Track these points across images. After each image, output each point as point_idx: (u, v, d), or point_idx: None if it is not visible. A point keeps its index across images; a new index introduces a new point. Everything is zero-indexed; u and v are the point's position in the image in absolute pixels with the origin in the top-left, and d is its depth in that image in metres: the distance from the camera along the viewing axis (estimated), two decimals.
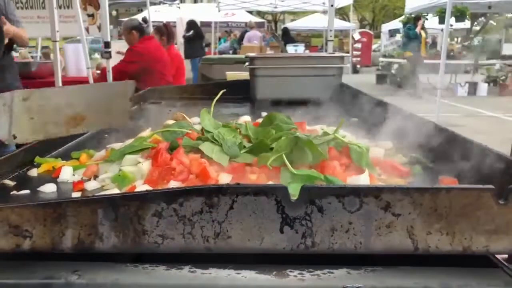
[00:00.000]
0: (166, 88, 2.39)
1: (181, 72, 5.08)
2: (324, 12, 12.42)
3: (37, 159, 1.09)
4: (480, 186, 0.58)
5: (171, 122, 1.28)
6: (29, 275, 0.62)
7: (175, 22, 12.07)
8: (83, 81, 4.23)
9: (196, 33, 9.91)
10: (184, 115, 1.30)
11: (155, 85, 2.56)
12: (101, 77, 4.24)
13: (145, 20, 6.76)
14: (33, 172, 1.03)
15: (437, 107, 5.76)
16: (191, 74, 9.32)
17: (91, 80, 4.05)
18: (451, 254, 0.60)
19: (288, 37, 12.88)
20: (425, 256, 0.60)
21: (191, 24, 10.07)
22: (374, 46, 22.16)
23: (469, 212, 0.58)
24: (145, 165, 0.96)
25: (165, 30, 5.13)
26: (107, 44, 4.01)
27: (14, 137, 1.04)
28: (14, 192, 0.90)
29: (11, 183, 0.95)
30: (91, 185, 0.92)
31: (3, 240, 0.61)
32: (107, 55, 4.01)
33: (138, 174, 0.94)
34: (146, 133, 1.21)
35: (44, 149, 1.17)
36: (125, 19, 5.84)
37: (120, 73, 4.29)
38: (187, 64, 6.94)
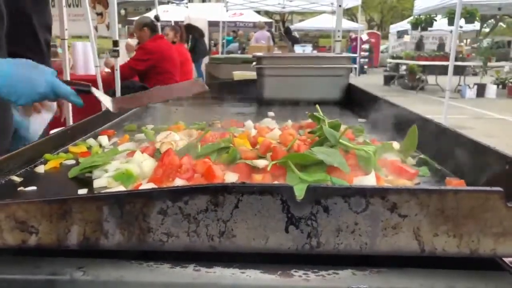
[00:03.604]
0: None
1: (188, 70, 5.12)
2: (332, 12, 12.38)
3: (46, 155, 1.10)
4: (488, 188, 0.58)
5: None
6: (35, 270, 0.62)
7: (183, 21, 12.10)
8: (91, 79, 4.25)
9: (197, 37, 9.80)
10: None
11: (163, 84, 2.56)
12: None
13: (157, 18, 6.79)
14: (40, 169, 1.03)
15: (445, 109, 5.72)
16: (195, 74, 9.34)
17: (99, 78, 4.08)
18: (457, 257, 0.59)
19: (291, 36, 12.80)
20: (431, 258, 0.60)
21: (189, 27, 9.96)
22: (382, 47, 22.10)
23: (477, 214, 0.58)
24: (151, 163, 0.96)
25: (179, 29, 5.22)
26: (115, 43, 4.03)
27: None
28: (21, 188, 0.91)
29: (18, 179, 0.96)
30: (98, 182, 0.93)
31: (9, 236, 0.62)
32: (115, 53, 4.03)
33: (143, 172, 0.94)
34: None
35: (52, 146, 1.18)
36: (134, 18, 5.86)
37: (129, 70, 4.32)
38: None
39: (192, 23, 10.23)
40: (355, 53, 15.63)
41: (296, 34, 14.89)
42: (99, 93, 1.28)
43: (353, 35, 19.07)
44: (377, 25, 33.78)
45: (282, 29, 16.36)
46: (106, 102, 1.28)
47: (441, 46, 15.95)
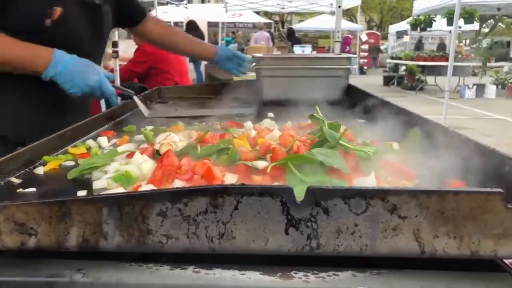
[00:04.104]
0: (173, 88, 2.39)
1: (184, 71, 5.11)
2: (332, 13, 12.39)
3: (45, 157, 1.10)
4: (488, 189, 0.58)
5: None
6: (34, 272, 0.62)
7: (182, 22, 12.10)
8: None
9: (198, 36, 9.75)
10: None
11: (162, 85, 2.56)
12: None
13: None
14: (40, 170, 1.03)
15: (444, 109, 5.72)
16: (194, 75, 9.35)
17: None
18: (457, 258, 0.59)
19: (293, 37, 12.84)
20: (432, 260, 0.60)
21: (190, 26, 9.90)
22: (381, 48, 22.10)
23: (477, 215, 0.57)
24: (150, 164, 0.96)
25: None
26: (114, 44, 4.03)
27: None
28: (20, 189, 0.90)
29: (17, 180, 0.96)
30: (97, 184, 0.93)
31: (8, 238, 0.62)
32: (114, 54, 4.04)
33: (142, 173, 0.93)
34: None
35: (51, 147, 1.17)
36: None
37: (129, 72, 4.33)
38: (189, 65, 6.94)
39: (194, 21, 10.19)
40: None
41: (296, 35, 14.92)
42: (138, 101, 1.59)
43: (344, 35, 18.89)
44: (377, 26, 33.84)
45: (282, 30, 16.39)
46: (143, 108, 1.60)
47: (440, 46, 15.97)
